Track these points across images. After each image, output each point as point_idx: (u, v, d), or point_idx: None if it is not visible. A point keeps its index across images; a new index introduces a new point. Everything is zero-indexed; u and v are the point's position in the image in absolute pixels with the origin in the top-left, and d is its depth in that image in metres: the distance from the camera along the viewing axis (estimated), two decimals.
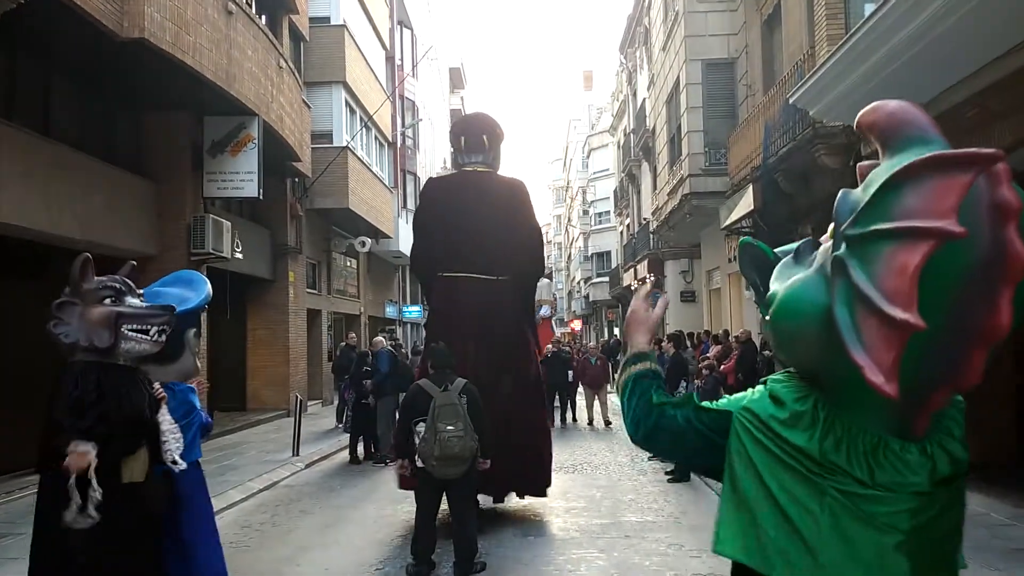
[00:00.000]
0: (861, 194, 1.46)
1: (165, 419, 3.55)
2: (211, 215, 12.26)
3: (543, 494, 7.74)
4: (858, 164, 1.60)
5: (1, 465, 8.56)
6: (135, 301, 3.47)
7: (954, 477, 1.60)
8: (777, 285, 1.69)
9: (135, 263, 3.74)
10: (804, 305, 1.53)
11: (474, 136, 8.24)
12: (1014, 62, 6.27)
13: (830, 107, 8.14)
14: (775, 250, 2.03)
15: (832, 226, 1.53)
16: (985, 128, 6.76)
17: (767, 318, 1.67)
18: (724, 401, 1.80)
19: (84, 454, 3.06)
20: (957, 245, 1.30)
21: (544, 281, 19.58)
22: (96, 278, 3.44)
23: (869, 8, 7.89)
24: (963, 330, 1.36)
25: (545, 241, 9.63)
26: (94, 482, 3.04)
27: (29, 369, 9.33)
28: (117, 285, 3.46)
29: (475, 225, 7.69)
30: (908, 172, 1.33)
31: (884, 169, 1.45)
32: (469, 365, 6.87)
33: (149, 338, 3.39)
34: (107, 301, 3.38)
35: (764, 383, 1.74)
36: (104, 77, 10.58)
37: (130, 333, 3.35)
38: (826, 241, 1.60)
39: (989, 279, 1.32)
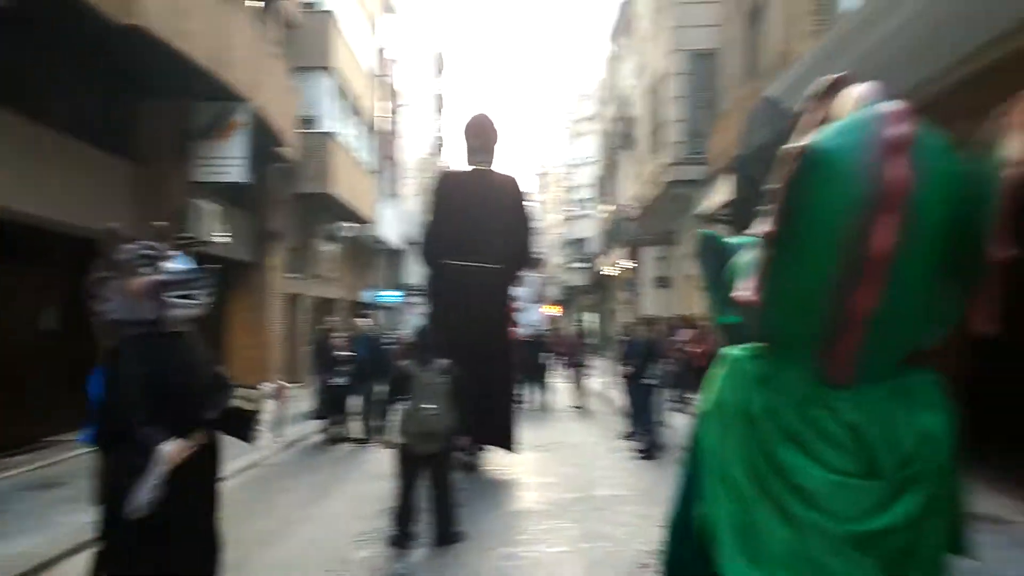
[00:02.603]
0: None
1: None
2: (198, 199, 12.42)
3: (511, 448, 8.87)
4: None
5: None
6: (172, 265, 3.35)
7: (914, 457, 1.67)
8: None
9: (115, 228, 3.53)
10: (733, 270, 1.82)
11: (484, 137, 9.46)
12: (998, 51, 6.51)
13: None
14: (730, 240, 2.31)
15: None
16: (968, 119, 7.04)
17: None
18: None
19: (181, 450, 3.08)
20: (843, 179, 1.52)
21: (535, 276, 20.46)
22: (127, 247, 3.31)
23: (847, 2, 8.18)
24: (854, 260, 1.55)
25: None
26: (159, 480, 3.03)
27: (12, 352, 9.54)
28: (150, 252, 3.34)
29: (480, 218, 8.81)
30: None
31: None
32: (462, 342, 7.55)
33: (196, 302, 3.32)
34: (143, 270, 3.26)
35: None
36: (93, 60, 10.68)
37: (175, 300, 3.26)
38: None
39: (877, 206, 1.51)
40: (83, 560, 5.33)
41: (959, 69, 6.90)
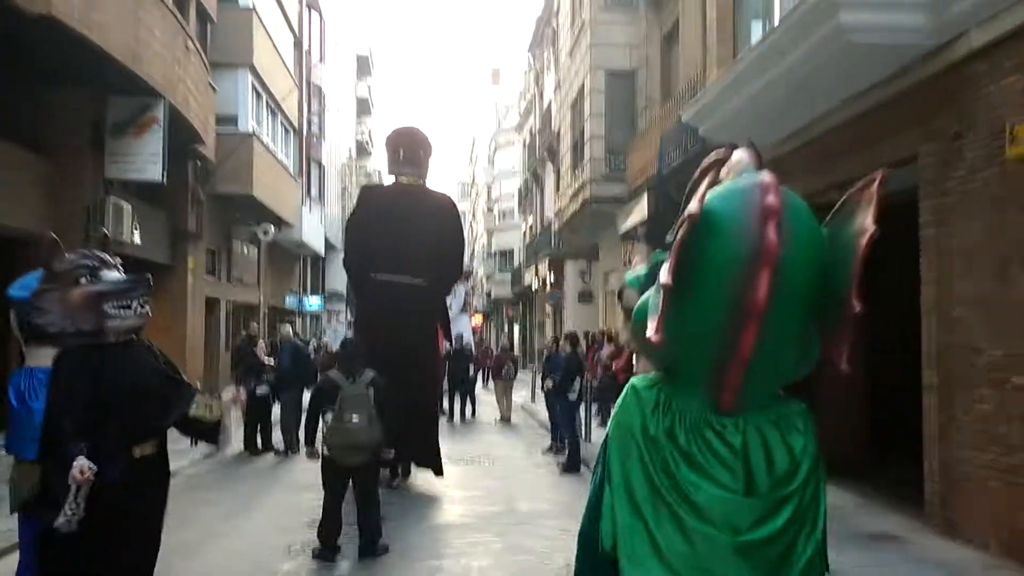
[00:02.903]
0: None
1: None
2: (111, 197, 12.00)
3: (438, 471, 8.67)
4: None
5: None
6: (112, 275, 3.35)
7: (788, 476, 1.97)
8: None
9: (55, 238, 3.49)
10: (642, 307, 1.98)
11: (411, 150, 9.14)
12: (871, 100, 7.04)
13: (717, 126, 8.83)
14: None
15: None
16: (851, 154, 7.54)
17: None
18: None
19: (85, 471, 3.05)
20: (727, 240, 1.78)
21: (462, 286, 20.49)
22: (67, 256, 3.30)
23: (756, 37, 8.62)
24: (737, 308, 1.80)
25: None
26: (78, 499, 3.04)
27: None
28: (90, 262, 3.34)
29: (408, 233, 8.62)
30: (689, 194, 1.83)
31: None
32: (387, 355, 7.50)
33: (133, 312, 3.30)
34: (83, 280, 3.25)
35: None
36: (4, 51, 10.21)
37: (113, 311, 3.24)
38: None
39: (755, 265, 1.78)
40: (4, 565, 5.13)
41: (842, 109, 7.43)
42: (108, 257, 3.42)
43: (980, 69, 5.87)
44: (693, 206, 1.82)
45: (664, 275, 1.79)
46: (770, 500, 1.92)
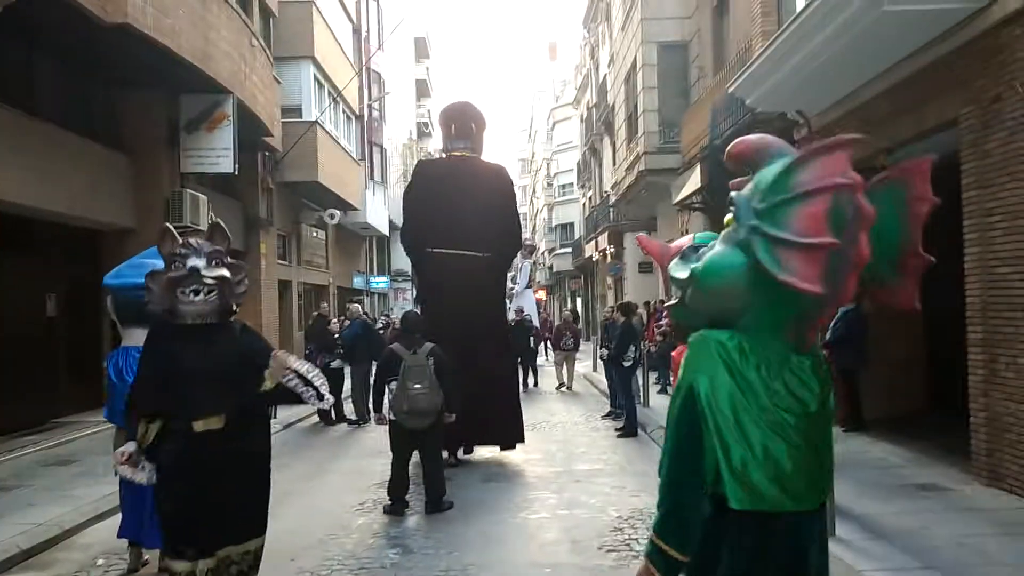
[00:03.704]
0: (750, 191, 2.15)
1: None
2: (187, 189, 12.78)
3: (519, 442, 8.77)
4: (730, 182, 2.31)
5: (3, 426, 9.15)
6: (198, 262, 3.62)
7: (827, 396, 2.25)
8: (680, 270, 2.33)
9: (167, 227, 3.86)
10: (726, 266, 2.17)
11: (463, 124, 9.14)
12: (913, 65, 7.14)
13: (764, 97, 8.96)
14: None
15: (730, 216, 2.21)
16: (893, 120, 7.64)
17: (690, 290, 2.25)
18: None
19: (121, 454, 3.60)
20: (840, 206, 2.03)
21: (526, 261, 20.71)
22: (171, 244, 3.67)
23: (800, 6, 8.69)
24: (846, 259, 2.08)
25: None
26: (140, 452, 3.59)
27: (20, 338, 9.93)
28: (182, 250, 3.64)
29: (463, 206, 8.62)
30: (798, 161, 2.04)
31: (769, 171, 2.15)
32: (456, 330, 7.89)
33: (201, 298, 3.58)
34: (175, 266, 3.62)
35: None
36: (85, 58, 11.00)
37: (183, 296, 3.56)
38: (728, 227, 2.28)
39: (857, 226, 2.04)
40: (103, 528, 5.83)
41: (885, 76, 7.50)
42: (202, 244, 3.71)
43: (1016, 32, 5.93)
44: (855, 176, 1.99)
45: (821, 237, 1.95)
46: (826, 419, 2.24)
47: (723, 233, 2.25)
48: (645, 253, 2.79)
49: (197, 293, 3.57)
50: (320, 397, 3.84)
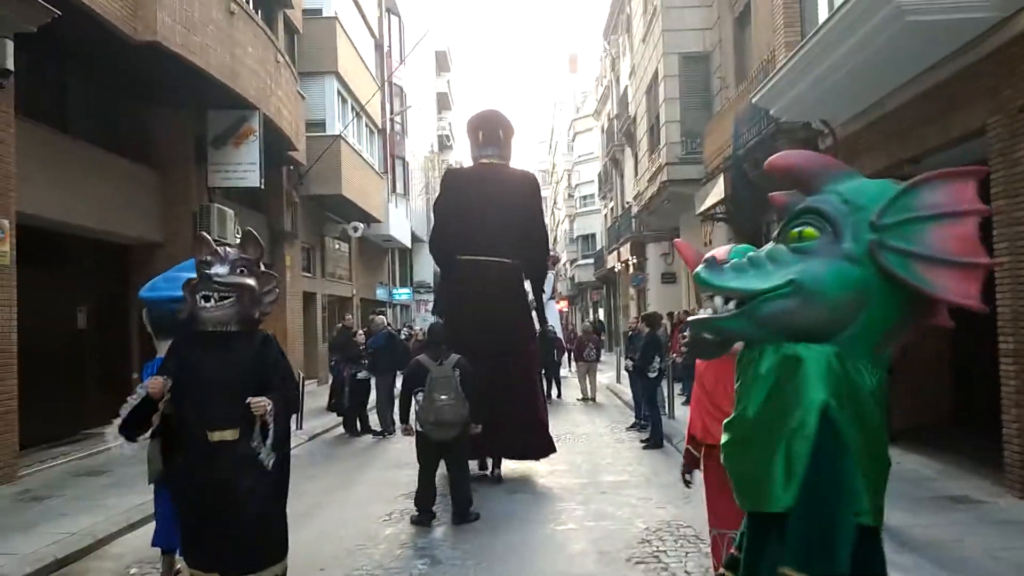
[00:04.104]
0: (844, 206, 2.08)
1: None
2: (215, 204, 12.97)
3: (550, 454, 8.69)
4: (770, 195, 2.28)
5: (35, 437, 9.30)
6: (221, 270, 3.63)
7: None
8: (747, 280, 2.16)
9: (202, 235, 3.93)
10: (844, 276, 2.08)
11: (491, 131, 9.15)
12: (938, 75, 7.11)
13: (787, 107, 8.95)
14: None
15: (809, 228, 2.11)
16: (918, 130, 7.60)
17: (786, 300, 2.11)
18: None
19: (155, 384, 3.59)
20: None
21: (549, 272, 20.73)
22: (204, 253, 3.71)
23: (823, 17, 8.69)
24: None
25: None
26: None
27: (51, 350, 10.10)
28: (209, 258, 3.67)
29: (491, 213, 8.63)
30: (921, 181, 2.04)
31: (871, 188, 2.12)
32: (483, 338, 7.91)
33: (213, 304, 3.57)
34: (200, 273, 3.65)
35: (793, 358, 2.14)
36: (115, 75, 11.21)
37: (200, 302, 3.59)
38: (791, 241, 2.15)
39: None
40: (135, 538, 5.92)
41: (910, 85, 7.48)
42: (229, 253, 3.74)
43: None
44: (980, 205, 2.02)
45: (984, 258, 1.99)
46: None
47: (800, 246, 2.13)
48: (681, 259, 2.82)
49: (208, 299, 3.57)
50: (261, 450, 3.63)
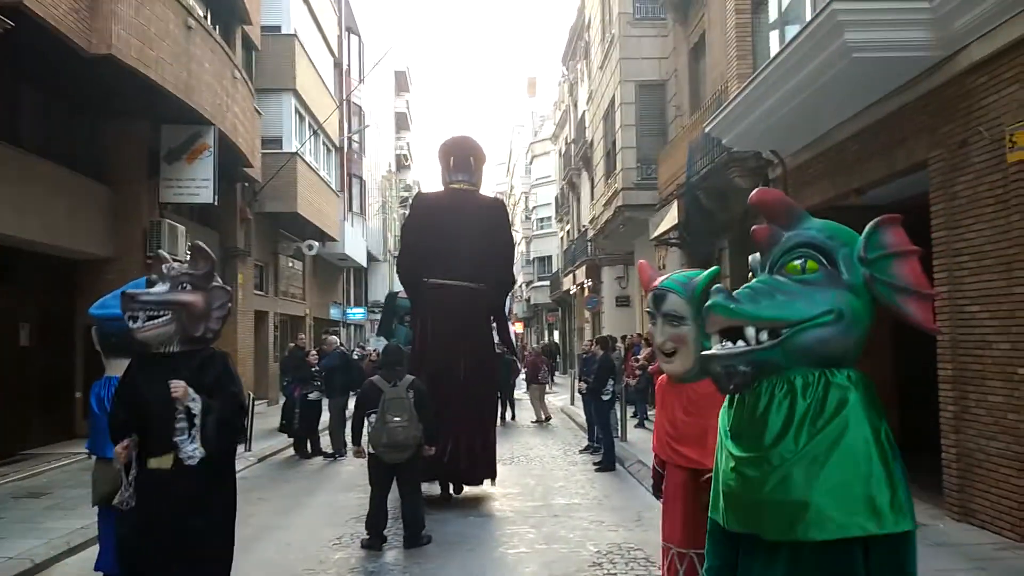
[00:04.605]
0: (830, 241, 2.21)
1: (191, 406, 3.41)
2: (166, 220, 12.75)
3: (494, 479, 8.78)
4: (753, 228, 2.33)
5: None
6: (161, 288, 3.52)
7: None
8: (783, 309, 2.16)
9: (159, 254, 3.81)
10: (866, 312, 2.22)
11: (462, 157, 9.17)
12: (883, 110, 7.38)
13: (739, 137, 9.19)
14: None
15: (812, 261, 2.21)
16: (864, 162, 7.86)
17: (837, 326, 2.18)
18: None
19: (123, 448, 3.45)
20: None
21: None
22: (155, 273, 3.60)
23: (775, 51, 8.96)
24: None
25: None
26: (127, 471, 3.45)
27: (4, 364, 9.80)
28: (154, 276, 3.57)
29: (461, 238, 8.65)
30: (880, 224, 2.23)
31: (842, 230, 2.27)
32: (452, 360, 7.98)
33: (140, 324, 3.41)
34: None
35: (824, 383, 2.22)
36: (68, 88, 11.01)
37: (128, 321, 3.43)
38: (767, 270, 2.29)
39: None
40: (77, 561, 5.74)
41: (856, 119, 7.76)
42: (171, 269, 3.57)
43: (981, 80, 6.17)
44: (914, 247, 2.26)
45: (932, 290, 2.27)
46: None
47: (807, 277, 2.20)
48: (640, 281, 3.07)
49: (134, 319, 3.39)
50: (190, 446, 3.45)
